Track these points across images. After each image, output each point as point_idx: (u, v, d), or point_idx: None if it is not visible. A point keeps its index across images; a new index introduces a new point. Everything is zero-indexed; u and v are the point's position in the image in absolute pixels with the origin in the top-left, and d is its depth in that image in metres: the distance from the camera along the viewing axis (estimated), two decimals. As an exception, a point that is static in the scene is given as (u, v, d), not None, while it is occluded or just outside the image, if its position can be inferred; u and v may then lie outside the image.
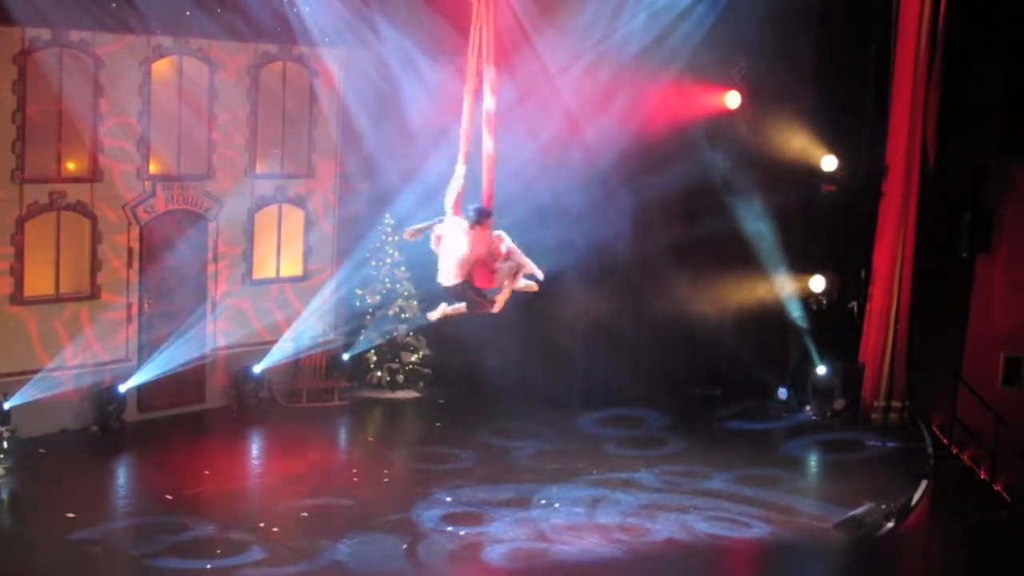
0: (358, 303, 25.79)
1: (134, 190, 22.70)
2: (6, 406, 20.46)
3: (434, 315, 14.51)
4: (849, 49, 24.93)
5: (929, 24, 23.66)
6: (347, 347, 25.71)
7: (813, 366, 25.22)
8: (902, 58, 24.07)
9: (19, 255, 21.52)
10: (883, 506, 19.66)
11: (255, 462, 22.78)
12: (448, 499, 19.81)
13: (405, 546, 17.92)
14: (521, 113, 22.85)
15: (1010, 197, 23.20)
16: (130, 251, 22.77)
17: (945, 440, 23.26)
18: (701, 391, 26.41)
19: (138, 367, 22.85)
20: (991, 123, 23.02)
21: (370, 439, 23.92)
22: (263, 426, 23.73)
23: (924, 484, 21.19)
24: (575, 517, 19.36)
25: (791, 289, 25.53)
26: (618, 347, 25.72)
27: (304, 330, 25.08)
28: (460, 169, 13.88)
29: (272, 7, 22.82)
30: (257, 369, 24.25)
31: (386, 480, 20.93)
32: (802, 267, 25.49)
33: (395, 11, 23.78)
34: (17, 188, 21.33)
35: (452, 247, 13.84)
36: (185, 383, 23.53)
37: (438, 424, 24.32)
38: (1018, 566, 18.45)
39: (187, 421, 23.35)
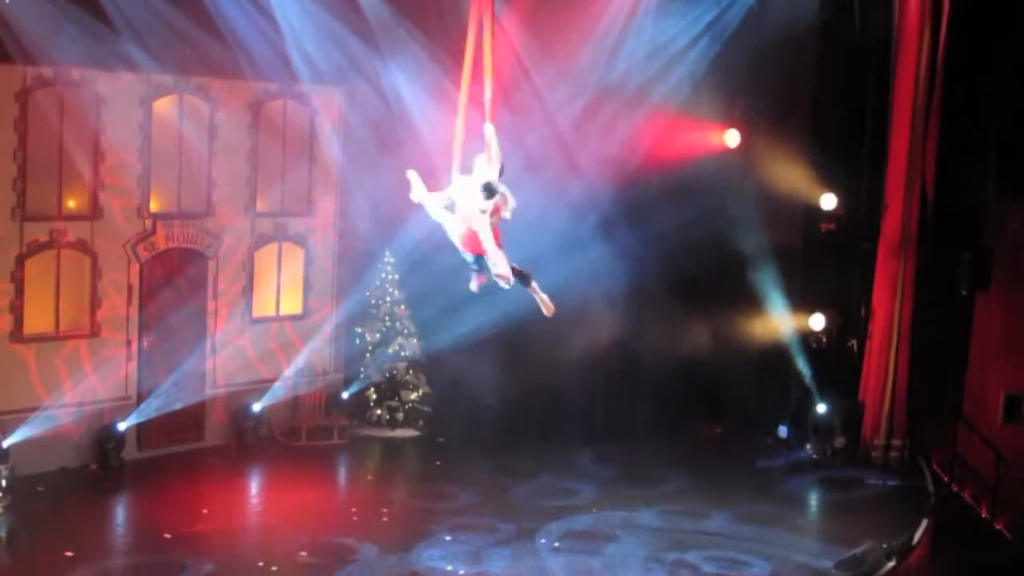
0: (358, 341, 25.80)
1: (134, 228, 22.73)
2: (5, 444, 20.46)
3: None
4: (848, 87, 25.04)
5: (928, 61, 23.74)
6: (347, 385, 25.70)
7: (813, 404, 25.19)
8: (901, 96, 24.14)
9: (19, 292, 21.52)
10: (884, 544, 19.59)
11: (254, 500, 22.70)
12: (448, 538, 19.75)
13: (405, 585, 17.90)
14: (522, 150, 22.90)
15: (1008, 234, 23.21)
16: (130, 288, 22.78)
17: (946, 478, 23.20)
18: (702, 428, 26.37)
19: (137, 405, 22.83)
20: (990, 160, 23.07)
21: (370, 477, 23.87)
22: (262, 464, 23.68)
23: (925, 522, 21.15)
24: (575, 555, 19.30)
25: (791, 327, 25.52)
26: (618, 384, 25.70)
27: (304, 368, 25.07)
28: (459, 125, 13.90)
29: (273, 45, 22.89)
30: (256, 407, 24.22)
31: (386, 519, 20.87)
32: (802, 305, 25.51)
33: (395, 49, 23.87)
34: (17, 226, 21.36)
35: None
36: (184, 421, 23.50)
37: (438, 462, 24.28)
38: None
39: (186, 459, 23.29)
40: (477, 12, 13.78)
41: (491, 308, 22.29)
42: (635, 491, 22.53)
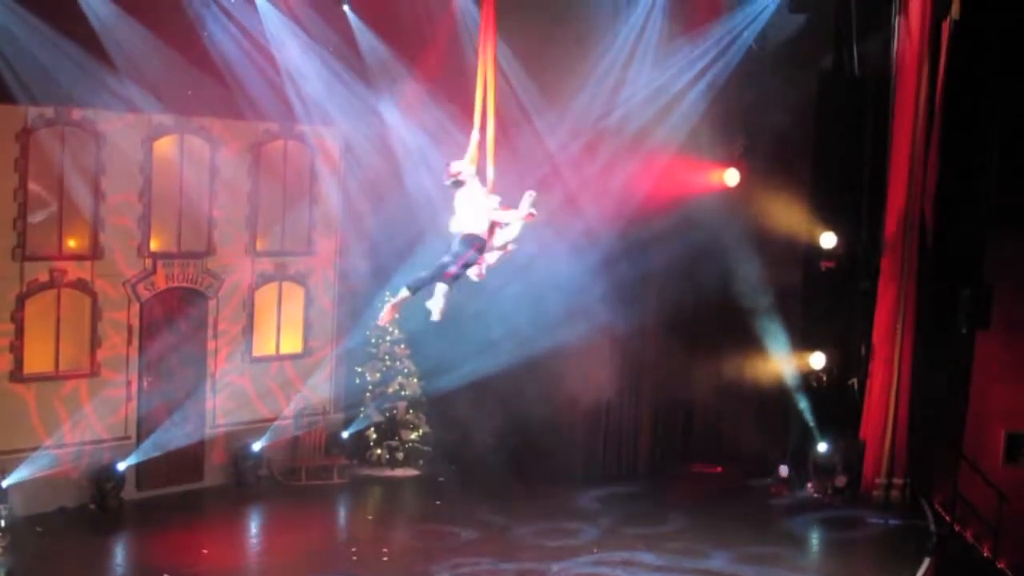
0: (358, 380, 25.76)
1: (135, 267, 22.75)
2: (4, 484, 20.42)
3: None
4: (847, 125, 25.09)
5: (926, 100, 23.79)
6: (347, 424, 25.65)
7: (814, 443, 25.13)
8: (900, 134, 24.18)
9: (19, 332, 21.51)
10: (886, 584, 19.56)
11: (254, 541, 22.62)
12: (448, 578, 19.72)
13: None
14: (521, 191, 22.92)
15: (1008, 272, 23.23)
16: (130, 328, 22.77)
17: (947, 517, 23.11)
18: (701, 468, 26.32)
19: (137, 444, 22.78)
20: (989, 198, 23.11)
21: (370, 517, 23.80)
22: (262, 504, 23.61)
23: (927, 562, 21.05)
24: (576, 596, 19.26)
25: (791, 366, 25.50)
26: (618, 423, 25.65)
27: (303, 407, 25.05)
28: (475, 135, 14.45)
29: (273, 86, 22.97)
30: (256, 447, 24.18)
31: (386, 559, 20.78)
32: (802, 344, 25.49)
33: (394, 89, 23.96)
34: (18, 265, 21.38)
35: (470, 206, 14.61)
36: (184, 461, 23.43)
37: (438, 502, 24.20)
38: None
39: (186, 499, 23.23)
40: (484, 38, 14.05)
41: (491, 347, 22.31)
42: (636, 531, 22.45)
